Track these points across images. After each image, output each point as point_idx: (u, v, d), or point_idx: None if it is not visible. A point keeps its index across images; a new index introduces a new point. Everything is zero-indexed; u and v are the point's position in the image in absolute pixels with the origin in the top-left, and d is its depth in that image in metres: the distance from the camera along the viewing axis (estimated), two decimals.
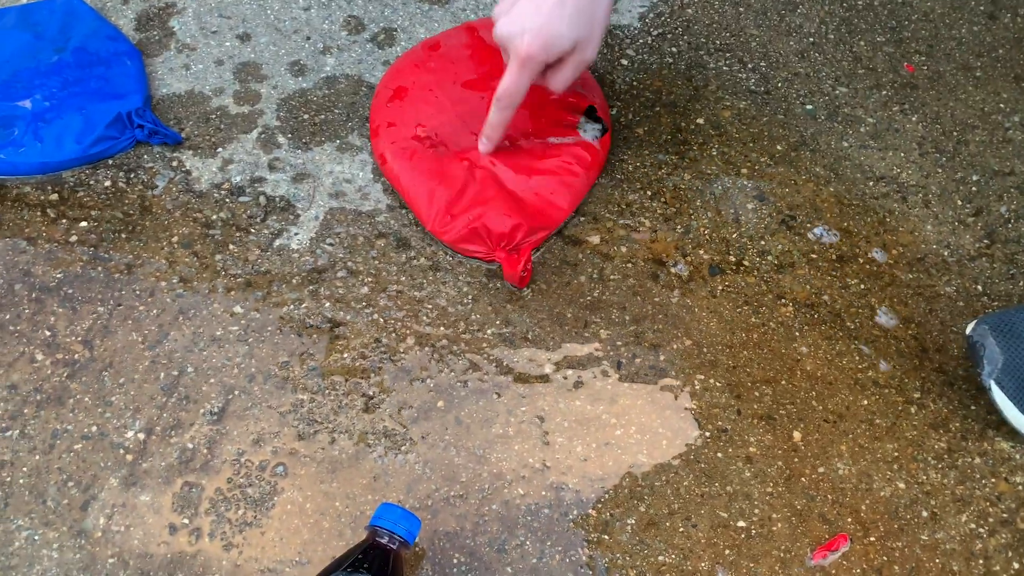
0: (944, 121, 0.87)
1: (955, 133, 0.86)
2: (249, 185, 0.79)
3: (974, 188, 0.82)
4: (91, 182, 0.78)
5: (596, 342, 0.71)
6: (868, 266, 0.77)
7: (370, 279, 0.74)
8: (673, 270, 0.76)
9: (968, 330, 0.68)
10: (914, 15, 0.95)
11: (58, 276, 0.72)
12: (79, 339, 0.69)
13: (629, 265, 0.76)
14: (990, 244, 0.78)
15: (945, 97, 0.88)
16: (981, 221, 0.80)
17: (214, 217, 0.76)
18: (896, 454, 0.67)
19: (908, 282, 0.76)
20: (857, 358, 0.71)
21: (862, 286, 0.75)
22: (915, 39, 0.93)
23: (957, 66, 0.91)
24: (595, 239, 0.77)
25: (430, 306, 0.72)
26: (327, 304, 0.72)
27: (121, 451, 0.64)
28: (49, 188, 0.77)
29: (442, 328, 0.71)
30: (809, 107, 0.87)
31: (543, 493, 0.64)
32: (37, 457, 0.64)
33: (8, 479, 0.63)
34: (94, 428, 0.65)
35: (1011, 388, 0.65)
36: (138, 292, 0.72)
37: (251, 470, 0.64)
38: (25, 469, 0.63)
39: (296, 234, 0.76)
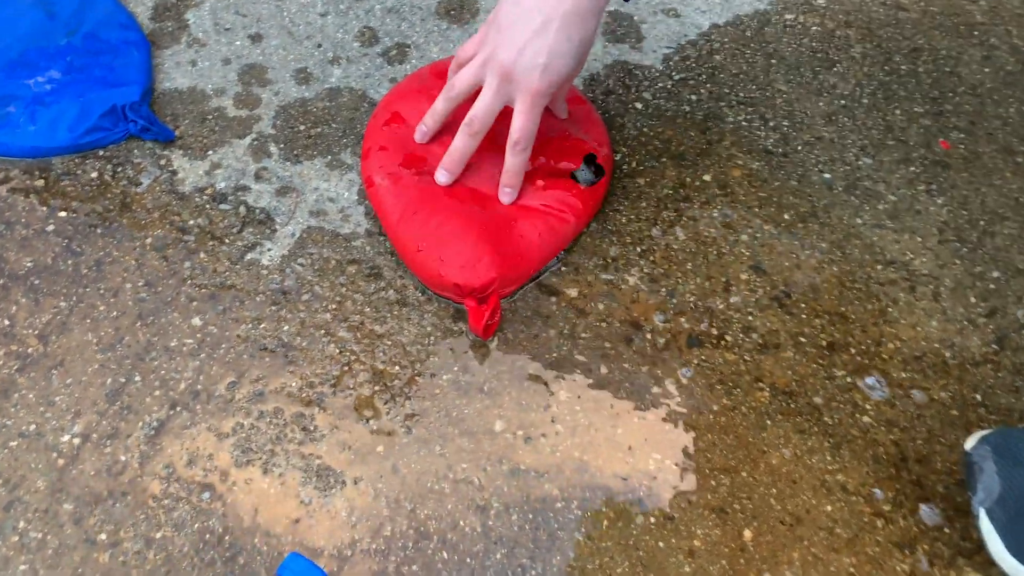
0: (972, 207, 0.81)
1: (982, 222, 0.80)
2: (232, 193, 0.77)
3: (992, 286, 0.76)
4: (78, 172, 0.78)
5: (554, 404, 0.68)
6: (859, 358, 0.72)
7: (334, 306, 0.72)
8: (649, 336, 0.72)
9: (968, 446, 0.62)
10: (960, 87, 0.89)
11: (28, 264, 0.72)
12: (35, 332, 0.69)
13: (603, 324, 0.72)
14: (999, 350, 0.73)
15: (978, 181, 0.82)
16: (993, 323, 0.74)
17: (191, 222, 0.75)
18: (852, 570, 0.62)
19: (900, 381, 0.71)
20: (828, 458, 0.67)
21: (848, 379, 0.71)
22: (956, 113, 0.87)
23: (998, 148, 0.85)
24: (573, 291, 0.74)
25: (389, 343, 0.70)
26: (286, 327, 0.70)
27: (54, 454, 0.64)
28: (36, 173, 0.77)
29: (397, 367, 0.69)
30: (827, 175, 0.82)
31: (467, 560, 0.61)
32: None
33: None
34: (32, 427, 0.65)
35: (1001, 520, 0.60)
36: (102, 291, 0.71)
37: (178, 491, 0.63)
38: None
39: (269, 249, 0.74)
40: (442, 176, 0.74)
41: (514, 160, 0.72)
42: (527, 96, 0.68)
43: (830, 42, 0.92)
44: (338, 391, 0.67)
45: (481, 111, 0.70)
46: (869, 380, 0.70)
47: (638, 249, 0.76)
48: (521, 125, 0.69)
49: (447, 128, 0.76)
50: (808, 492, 0.65)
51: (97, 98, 0.79)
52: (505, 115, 0.71)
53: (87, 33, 0.84)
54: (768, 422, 0.68)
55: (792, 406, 0.69)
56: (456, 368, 0.69)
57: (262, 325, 0.70)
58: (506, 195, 0.74)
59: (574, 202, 0.75)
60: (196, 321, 0.70)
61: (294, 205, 0.77)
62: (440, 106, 0.74)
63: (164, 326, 0.70)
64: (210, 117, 0.82)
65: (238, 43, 0.87)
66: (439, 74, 0.81)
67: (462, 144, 0.72)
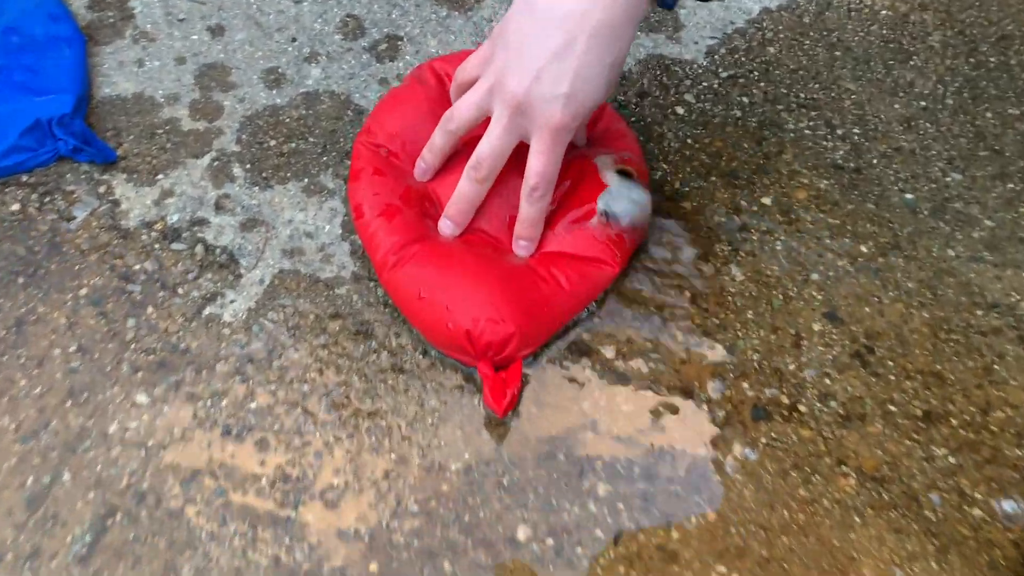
0: None
1: None
2: (187, 228, 0.63)
3: None
4: None
5: (591, 500, 0.54)
6: (963, 431, 0.58)
7: (314, 374, 0.58)
8: (705, 408, 0.58)
9: None
10: None
11: None
12: None
13: (648, 393, 0.58)
14: None
15: None
16: None
17: (137, 267, 0.61)
18: None
19: (1016, 461, 0.57)
20: (934, 565, 0.54)
21: (952, 460, 0.57)
22: None
23: None
24: (608, 351, 0.60)
25: (383, 423, 0.56)
26: (253, 405, 0.56)
27: None
28: None
29: (392, 456, 0.55)
30: (909, 196, 0.68)
31: None
32: None
33: None
34: None
35: None
36: (23, 360, 0.57)
37: None
38: None
39: (232, 301, 0.60)
40: (447, 227, 0.60)
41: (531, 209, 0.57)
42: (546, 133, 0.54)
43: (903, 29, 0.77)
44: (320, 491, 0.54)
45: (489, 152, 0.56)
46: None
47: (687, 293, 0.62)
48: (540, 168, 0.55)
49: (453, 161, 0.62)
50: None
51: (18, 109, 0.64)
52: (520, 147, 0.57)
53: (7, 27, 0.69)
54: (856, 519, 0.55)
55: (885, 497, 0.56)
56: (467, 455, 0.55)
57: (224, 402, 0.56)
58: (522, 248, 0.60)
59: (613, 240, 0.60)
60: (142, 398, 0.56)
61: (263, 243, 0.62)
62: (439, 140, 0.59)
63: (102, 406, 0.56)
64: (161, 131, 0.67)
65: (195, 37, 0.72)
66: (441, 77, 0.66)
67: (468, 191, 0.58)
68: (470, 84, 0.58)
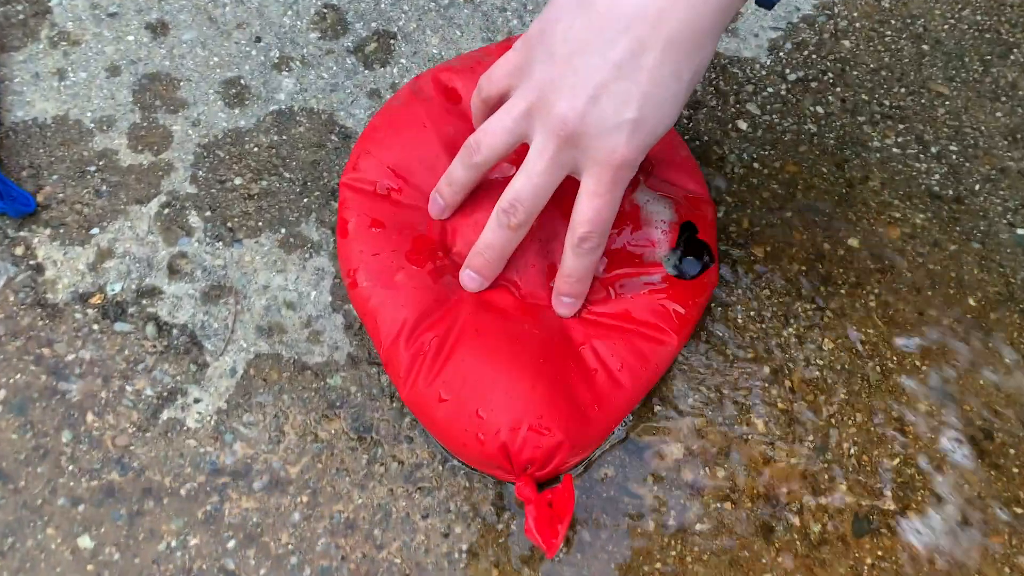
0: None
1: None
2: (134, 302, 0.49)
3: None
4: None
5: None
6: None
7: (305, 499, 0.45)
8: (796, 522, 0.47)
9: None
10: None
11: None
12: None
13: (728, 507, 0.47)
14: None
15: None
16: None
17: (71, 358, 0.48)
18: None
19: None
20: None
21: None
22: None
23: None
24: (676, 450, 0.48)
25: (399, 560, 0.44)
26: (231, 544, 0.44)
27: None
28: None
29: None
30: (1021, 232, 0.56)
31: None
32: None
33: None
34: None
35: None
36: None
37: None
38: None
39: (197, 401, 0.47)
40: (471, 282, 0.47)
41: (578, 263, 0.45)
42: (604, 170, 0.41)
43: (1000, 15, 0.64)
44: None
45: (528, 194, 0.43)
46: None
47: (765, 369, 0.50)
48: (592, 214, 0.43)
49: (477, 193, 0.49)
50: None
51: None
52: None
53: None
54: None
55: None
56: None
57: (192, 542, 0.44)
58: (565, 306, 0.47)
59: (672, 309, 0.48)
60: (86, 542, 0.44)
61: (232, 318, 0.49)
62: (460, 175, 0.46)
63: (32, 555, 0.43)
64: (92, 169, 0.53)
65: (131, 38, 0.57)
66: (447, 89, 0.52)
67: (499, 240, 0.45)
68: (499, 100, 0.45)
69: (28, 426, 0.46)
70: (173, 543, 0.44)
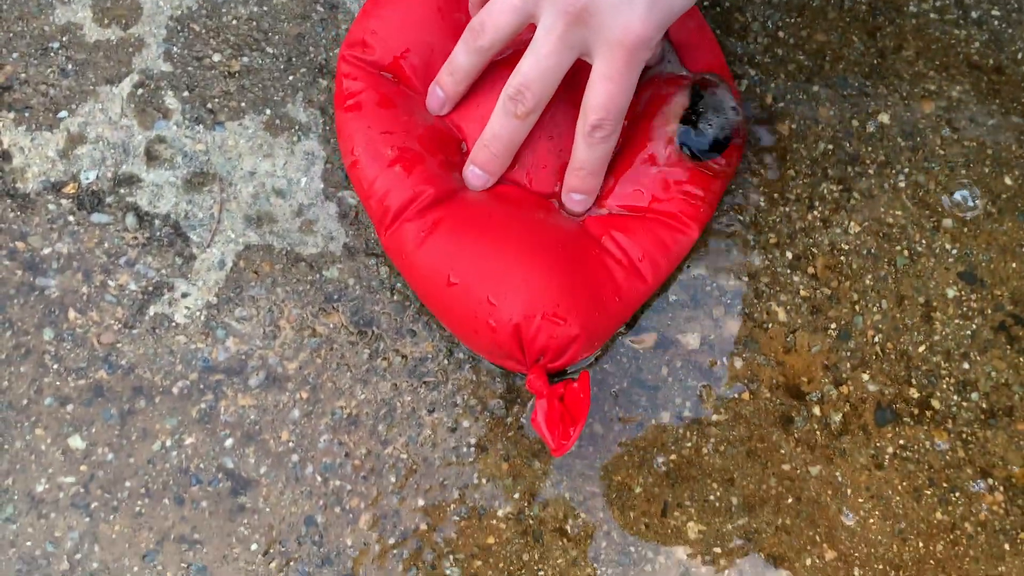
0: None
1: None
2: (111, 191, 0.46)
3: None
4: None
5: (680, 546, 0.42)
6: None
7: (305, 395, 0.43)
8: (817, 412, 0.45)
9: None
10: None
11: None
12: None
13: (745, 397, 0.45)
14: None
15: None
16: None
17: (47, 251, 0.44)
18: None
19: None
20: None
21: None
22: None
23: None
24: (692, 339, 0.46)
25: (406, 456, 0.43)
26: (229, 443, 0.42)
27: None
28: None
29: (421, 500, 0.42)
30: None
31: None
32: None
33: None
34: None
35: None
36: None
37: None
38: None
39: (185, 295, 0.44)
40: (475, 178, 0.43)
41: (590, 153, 0.41)
42: (617, 51, 0.37)
43: None
44: (326, 556, 0.41)
45: (536, 76, 0.39)
46: None
47: (787, 255, 0.48)
48: (604, 99, 0.39)
49: (481, 85, 0.44)
50: None
51: None
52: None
53: None
54: (1007, 546, 0.44)
55: None
56: (517, 494, 0.43)
57: (188, 440, 0.42)
58: (576, 203, 0.44)
59: (691, 191, 0.45)
60: (77, 442, 0.42)
61: (218, 207, 0.46)
62: (463, 60, 0.42)
63: (21, 456, 0.41)
64: (56, 45, 0.48)
65: None
66: None
67: (506, 130, 0.41)
68: None
69: (7, 324, 0.43)
70: (168, 442, 0.42)
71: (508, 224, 0.42)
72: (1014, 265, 0.48)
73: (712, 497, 0.43)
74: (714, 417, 0.44)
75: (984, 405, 0.46)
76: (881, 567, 0.43)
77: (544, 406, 0.40)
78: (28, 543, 0.40)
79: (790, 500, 0.44)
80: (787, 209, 0.48)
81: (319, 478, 0.42)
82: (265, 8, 0.50)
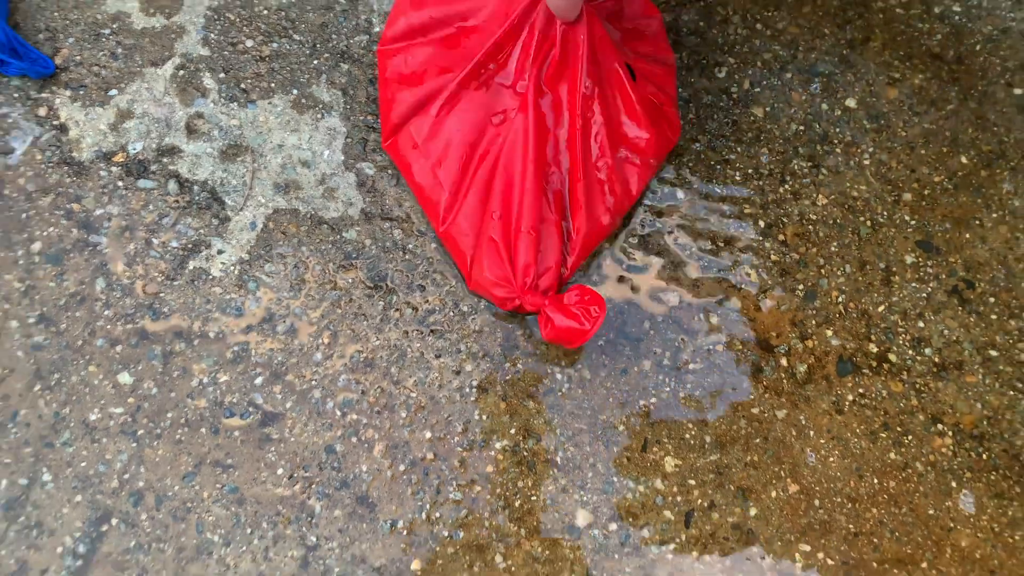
0: None
1: None
2: (155, 159, 0.51)
3: None
4: None
5: (658, 477, 0.48)
6: None
7: (326, 339, 0.49)
8: (784, 363, 0.50)
9: None
10: None
11: None
12: None
13: (719, 348, 0.50)
14: None
15: None
16: None
17: (99, 212, 0.50)
18: None
19: None
20: None
21: None
22: None
23: None
24: (673, 297, 0.51)
25: (415, 394, 0.48)
26: (258, 381, 0.48)
27: None
28: None
29: (428, 433, 0.47)
30: (1019, 92, 0.57)
31: None
32: None
33: None
34: None
35: None
36: None
37: None
38: None
39: (220, 252, 0.50)
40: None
41: None
42: None
43: None
44: (344, 480, 0.46)
45: None
46: None
47: (760, 223, 0.53)
48: None
49: None
50: None
51: None
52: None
53: None
54: (953, 483, 0.49)
55: (985, 457, 0.49)
56: (513, 429, 0.48)
57: (222, 379, 0.48)
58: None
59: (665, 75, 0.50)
60: (125, 378, 0.47)
61: (250, 175, 0.51)
62: None
63: (77, 389, 0.47)
64: (107, 32, 0.54)
65: None
66: None
67: None
68: None
69: (63, 275, 0.49)
70: (204, 380, 0.47)
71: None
72: (967, 236, 0.53)
73: (688, 435, 0.48)
74: (691, 366, 0.50)
75: (936, 359, 0.51)
76: (839, 500, 0.48)
77: (551, 308, 0.44)
78: (83, 464, 0.45)
79: (758, 440, 0.49)
80: (761, 183, 0.53)
81: (338, 412, 0.47)
82: (288, 2, 0.55)
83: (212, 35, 0.54)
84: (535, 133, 0.47)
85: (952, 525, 0.48)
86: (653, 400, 0.49)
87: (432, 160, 0.48)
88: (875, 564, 0.47)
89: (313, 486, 0.46)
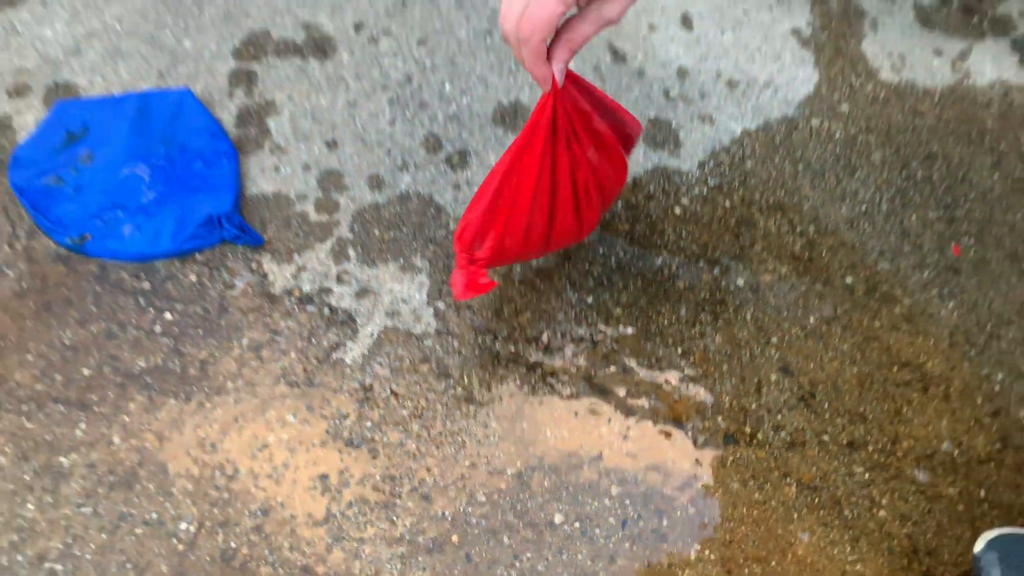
0: (980, 312, 0.89)
1: (989, 326, 0.88)
2: (317, 295, 0.87)
3: (997, 387, 0.85)
4: (179, 275, 0.87)
5: (606, 497, 0.77)
6: (877, 455, 0.80)
7: (409, 403, 0.81)
8: (690, 434, 0.81)
9: (977, 549, 0.71)
10: (971, 193, 0.97)
11: (141, 364, 0.82)
12: (151, 429, 0.79)
13: (649, 423, 0.81)
14: (1002, 448, 0.81)
15: (986, 286, 0.91)
16: (998, 423, 0.83)
17: (282, 324, 0.85)
18: None
19: (913, 478, 0.79)
20: (848, 549, 0.76)
21: (867, 475, 0.79)
22: (968, 219, 0.95)
23: (1005, 254, 0.93)
24: (621, 391, 0.83)
25: (460, 439, 0.79)
26: (368, 423, 0.80)
27: (174, 540, 0.74)
28: (143, 275, 0.87)
29: (466, 463, 0.78)
30: (849, 280, 0.91)
31: None
32: (104, 536, 0.73)
33: (78, 554, 0.73)
34: (154, 515, 0.75)
35: None
36: (207, 390, 0.81)
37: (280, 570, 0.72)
38: (92, 546, 0.73)
39: (351, 349, 0.84)
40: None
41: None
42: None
43: (852, 147, 1.01)
44: (416, 486, 0.77)
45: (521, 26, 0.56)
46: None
47: (679, 350, 0.85)
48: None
49: None
50: None
51: (193, 209, 0.89)
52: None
53: (182, 144, 0.94)
54: (795, 515, 0.77)
55: (816, 500, 0.78)
56: (519, 463, 0.78)
57: (347, 421, 0.80)
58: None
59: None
60: (290, 418, 0.80)
61: (372, 307, 0.86)
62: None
63: (262, 425, 0.79)
64: (295, 221, 0.92)
65: (316, 149, 0.97)
66: None
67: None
68: None
69: (259, 359, 0.83)
70: (337, 421, 0.80)
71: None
72: (811, 366, 0.85)
73: (628, 474, 0.78)
74: (631, 434, 0.80)
75: (788, 439, 0.81)
76: (722, 520, 0.76)
77: (462, 272, 0.76)
78: (255, 461, 0.77)
79: (672, 480, 0.78)
80: (679, 327, 0.87)
81: (418, 431, 0.79)
82: (405, 208, 0.93)
83: (356, 226, 0.92)
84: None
85: (792, 541, 0.76)
86: (606, 451, 0.79)
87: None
88: (741, 559, 0.75)
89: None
